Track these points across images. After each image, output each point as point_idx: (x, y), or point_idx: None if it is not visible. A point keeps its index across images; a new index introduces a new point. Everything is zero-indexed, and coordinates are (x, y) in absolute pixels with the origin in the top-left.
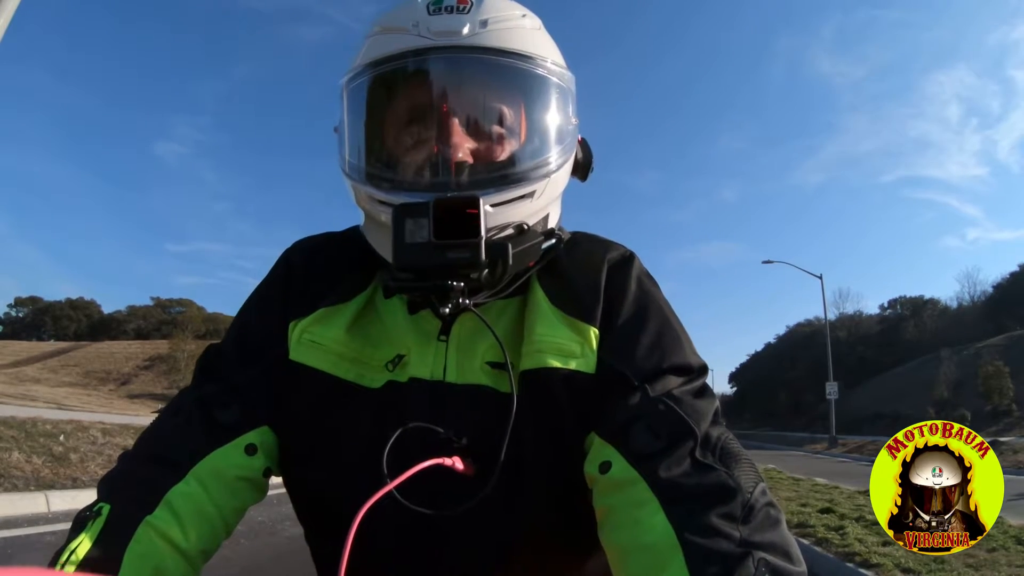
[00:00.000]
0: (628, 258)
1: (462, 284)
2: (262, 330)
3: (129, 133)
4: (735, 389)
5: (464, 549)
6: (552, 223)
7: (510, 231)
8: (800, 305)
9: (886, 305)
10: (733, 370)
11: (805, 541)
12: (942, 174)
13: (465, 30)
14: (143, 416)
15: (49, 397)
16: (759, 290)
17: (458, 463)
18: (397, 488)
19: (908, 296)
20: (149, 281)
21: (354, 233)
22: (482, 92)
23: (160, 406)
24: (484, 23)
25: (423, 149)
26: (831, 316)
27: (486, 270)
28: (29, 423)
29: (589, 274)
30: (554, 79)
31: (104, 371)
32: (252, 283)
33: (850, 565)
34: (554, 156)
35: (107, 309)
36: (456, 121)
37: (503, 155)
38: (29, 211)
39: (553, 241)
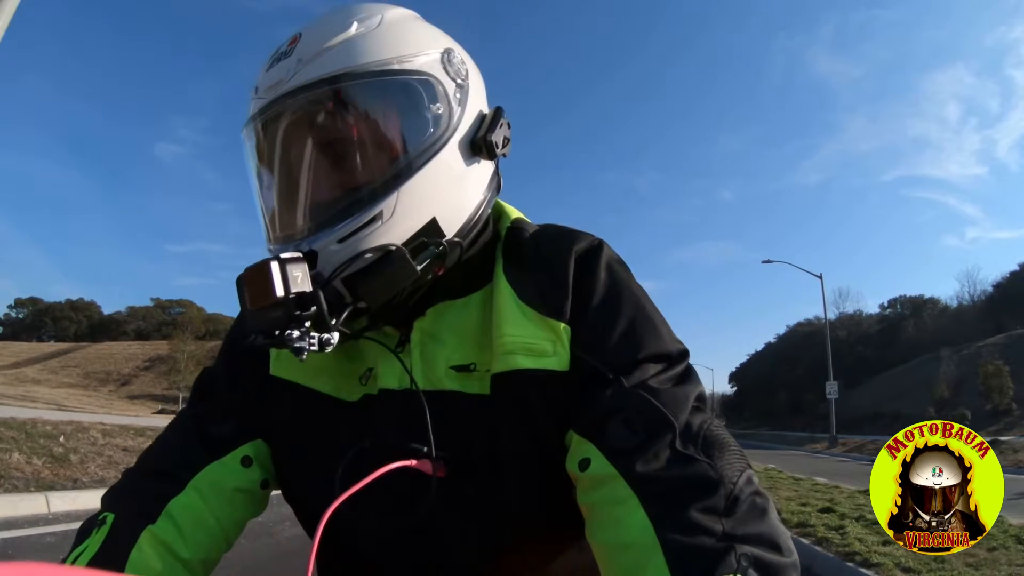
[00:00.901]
0: (596, 247)
1: (305, 330)
2: (249, 345)
3: (129, 135)
4: (735, 389)
5: (448, 550)
6: (452, 224)
7: (368, 257)
8: (800, 305)
9: (886, 304)
10: (733, 370)
11: (805, 540)
12: (941, 173)
13: (286, 76)
14: (143, 417)
15: (49, 398)
16: (759, 290)
17: (426, 467)
18: (372, 495)
19: (908, 295)
20: (149, 282)
21: None
22: (305, 135)
23: (160, 406)
24: (301, 60)
25: (271, 208)
26: (831, 316)
27: (339, 310)
28: (29, 424)
29: (557, 267)
30: (383, 81)
31: (104, 372)
32: None
33: (850, 564)
34: (398, 166)
35: (107, 310)
36: (291, 174)
37: (336, 191)
38: (29, 212)
39: (436, 249)
